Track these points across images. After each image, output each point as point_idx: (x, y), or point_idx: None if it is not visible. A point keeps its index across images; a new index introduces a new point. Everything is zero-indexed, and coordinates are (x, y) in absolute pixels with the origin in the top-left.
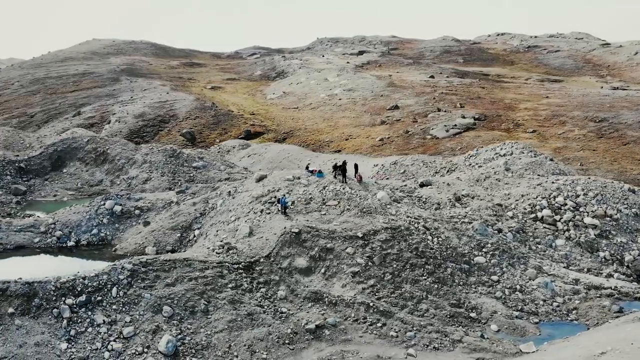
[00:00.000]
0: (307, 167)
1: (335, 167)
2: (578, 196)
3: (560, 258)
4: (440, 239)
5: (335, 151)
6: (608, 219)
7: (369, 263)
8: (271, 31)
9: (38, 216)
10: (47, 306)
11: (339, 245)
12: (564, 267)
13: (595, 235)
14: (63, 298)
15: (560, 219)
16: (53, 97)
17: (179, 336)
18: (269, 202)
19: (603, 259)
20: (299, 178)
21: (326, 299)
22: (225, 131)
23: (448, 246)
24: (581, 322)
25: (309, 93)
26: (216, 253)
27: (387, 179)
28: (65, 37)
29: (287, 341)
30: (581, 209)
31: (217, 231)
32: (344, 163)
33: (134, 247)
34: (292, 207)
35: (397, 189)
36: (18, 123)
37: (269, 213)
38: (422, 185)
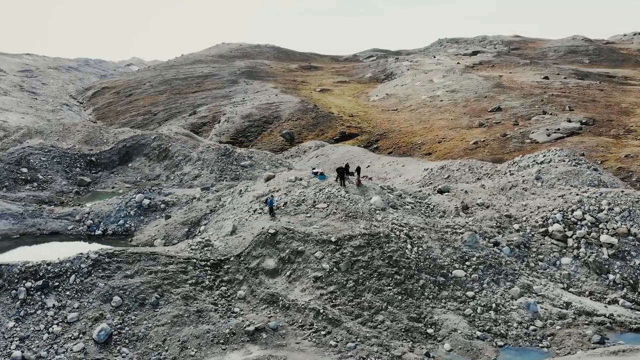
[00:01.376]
0: (313, 169)
1: (338, 170)
2: (601, 210)
3: (561, 278)
4: (420, 248)
5: (425, 154)
6: (631, 237)
7: (334, 269)
8: (397, 33)
9: (85, 206)
10: (8, 287)
11: (310, 249)
12: (562, 288)
13: (609, 255)
14: (24, 281)
15: (573, 234)
16: (176, 97)
17: (119, 326)
18: (264, 202)
19: (612, 283)
20: (301, 179)
21: (281, 302)
22: (322, 132)
23: (427, 257)
24: (552, 351)
25: (411, 95)
26: (191, 249)
27: (431, 183)
28: (201, 41)
29: (222, 341)
30: (601, 225)
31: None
32: (346, 166)
33: (147, 239)
34: (283, 208)
35: (409, 195)
36: (142, 120)
37: (260, 213)
38: (439, 191)
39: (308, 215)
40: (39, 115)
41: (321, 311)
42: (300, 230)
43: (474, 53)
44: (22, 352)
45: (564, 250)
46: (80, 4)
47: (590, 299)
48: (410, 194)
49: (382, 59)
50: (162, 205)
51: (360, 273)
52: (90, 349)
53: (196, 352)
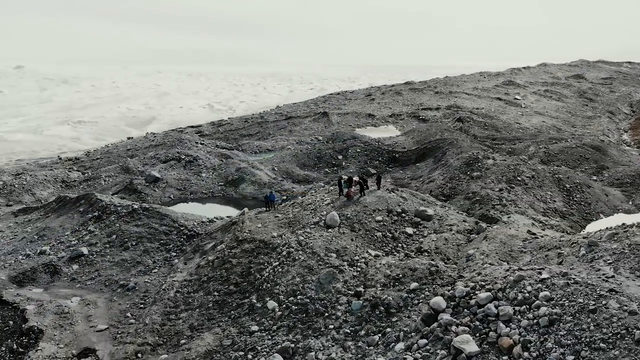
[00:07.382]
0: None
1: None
2: (521, 304)
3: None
4: (280, 270)
5: None
6: (516, 354)
7: (211, 263)
8: None
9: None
10: (89, 212)
11: (224, 242)
12: None
13: None
14: (96, 212)
15: (440, 319)
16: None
17: (95, 252)
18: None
19: None
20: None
21: (168, 275)
22: None
23: (274, 280)
24: None
25: None
26: (201, 221)
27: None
28: None
29: (108, 284)
30: (491, 325)
31: None
32: (362, 178)
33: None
34: (288, 206)
35: (434, 227)
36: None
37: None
38: (477, 232)
39: (277, 215)
40: (566, 120)
41: (161, 291)
42: (246, 225)
43: None
44: (48, 247)
45: (412, 334)
46: None
47: None
48: (445, 230)
49: None
50: None
51: (218, 273)
52: (65, 258)
53: (91, 283)
